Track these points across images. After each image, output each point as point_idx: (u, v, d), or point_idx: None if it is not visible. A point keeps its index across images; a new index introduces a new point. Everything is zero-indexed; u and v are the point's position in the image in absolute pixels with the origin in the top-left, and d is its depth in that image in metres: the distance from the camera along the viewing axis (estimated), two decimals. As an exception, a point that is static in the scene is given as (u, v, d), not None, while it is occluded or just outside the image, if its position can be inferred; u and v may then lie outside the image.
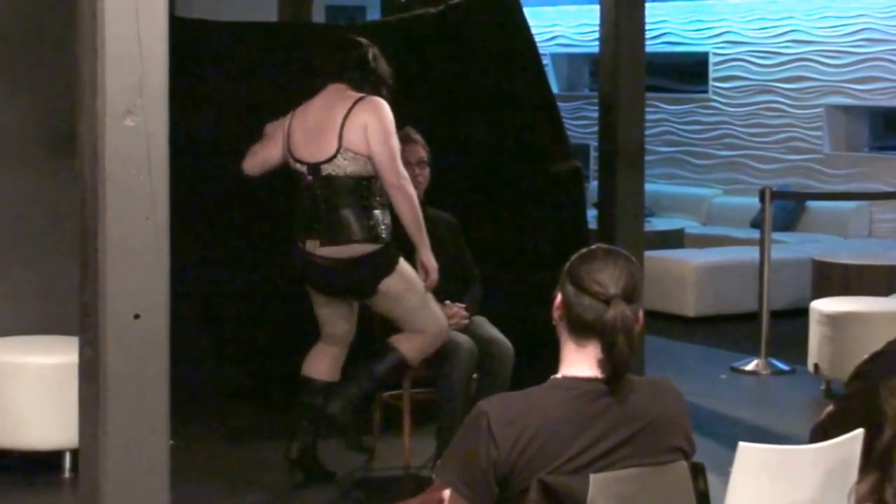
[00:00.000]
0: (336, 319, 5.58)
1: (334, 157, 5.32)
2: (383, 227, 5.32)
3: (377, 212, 5.32)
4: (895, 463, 2.08)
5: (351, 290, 5.45)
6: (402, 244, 5.42)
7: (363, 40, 5.56)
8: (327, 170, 5.34)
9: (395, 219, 5.41)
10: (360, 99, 5.33)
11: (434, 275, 5.37)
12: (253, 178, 5.63)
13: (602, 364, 2.79)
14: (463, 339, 5.63)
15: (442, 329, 5.46)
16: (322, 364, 5.61)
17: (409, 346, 5.45)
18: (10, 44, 6.21)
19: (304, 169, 5.40)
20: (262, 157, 5.54)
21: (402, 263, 5.37)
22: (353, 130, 5.28)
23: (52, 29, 6.10)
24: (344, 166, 5.31)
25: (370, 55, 5.46)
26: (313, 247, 5.37)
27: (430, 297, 5.47)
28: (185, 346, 5.77)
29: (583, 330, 2.80)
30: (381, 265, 5.33)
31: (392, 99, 5.42)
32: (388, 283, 5.33)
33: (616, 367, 2.78)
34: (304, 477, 5.62)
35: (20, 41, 6.21)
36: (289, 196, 6.96)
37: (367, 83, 5.40)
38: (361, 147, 5.27)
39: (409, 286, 5.36)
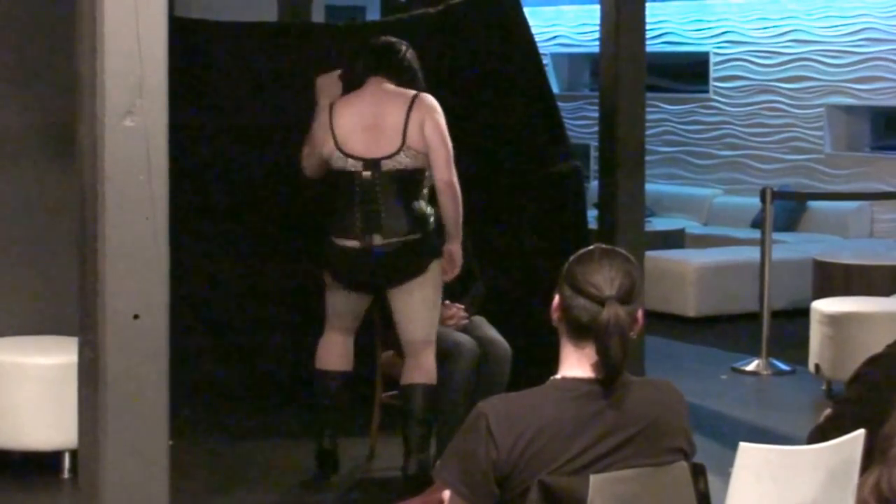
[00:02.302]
0: (353, 314, 5.67)
1: (397, 153, 5.41)
2: (432, 216, 5.50)
3: (423, 203, 5.49)
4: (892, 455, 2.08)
5: (404, 273, 5.49)
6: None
7: (394, 39, 5.72)
8: (388, 165, 5.43)
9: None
10: (416, 97, 5.46)
11: (457, 270, 5.50)
12: (315, 180, 5.69)
13: (596, 366, 2.79)
14: (465, 339, 5.63)
15: (434, 342, 5.52)
16: (334, 355, 5.65)
17: (425, 373, 5.48)
18: (10, 44, 6.20)
19: (358, 165, 5.44)
20: (319, 158, 5.56)
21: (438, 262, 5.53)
22: (414, 128, 5.42)
23: (51, 29, 6.09)
24: (406, 162, 5.42)
25: (403, 48, 5.64)
26: (369, 241, 5.44)
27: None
28: (184, 346, 5.78)
29: (580, 331, 2.80)
30: (430, 248, 5.49)
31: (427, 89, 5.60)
32: (435, 267, 5.48)
33: (610, 369, 2.78)
34: (330, 469, 5.70)
35: (20, 41, 6.20)
36: (289, 196, 6.98)
37: (404, 75, 5.55)
38: (420, 144, 5.42)
39: (440, 283, 5.51)
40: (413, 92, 5.49)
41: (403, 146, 5.41)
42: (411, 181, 5.44)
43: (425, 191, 5.51)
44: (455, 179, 5.45)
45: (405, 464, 5.47)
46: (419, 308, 5.44)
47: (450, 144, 5.45)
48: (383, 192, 5.42)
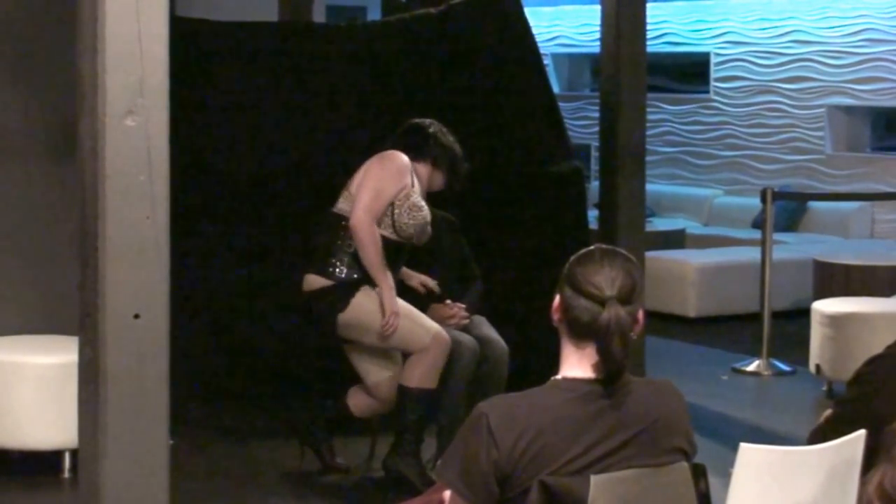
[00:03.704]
0: (365, 369, 5.62)
1: (339, 197, 5.46)
2: (343, 267, 5.38)
3: (346, 253, 5.38)
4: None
5: (314, 323, 5.54)
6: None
7: (426, 122, 5.70)
8: (333, 208, 5.47)
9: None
10: (387, 151, 5.46)
11: (392, 320, 5.34)
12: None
13: (597, 366, 2.79)
14: (465, 338, 5.63)
15: (436, 336, 5.44)
16: (359, 405, 5.69)
17: (415, 377, 5.45)
18: (11, 43, 6.20)
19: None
20: None
21: (359, 299, 5.37)
22: (360, 173, 5.42)
23: (52, 28, 6.09)
24: (341, 206, 5.43)
25: (430, 129, 5.62)
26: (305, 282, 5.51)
27: (410, 314, 5.44)
28: (184, 346, 5.77)
29: (580, 331, 2.80)
30: (332, 302, 5.38)
31: (451, 170, 5.60)
32: (344, 318, 5.37)
33: (610, 370, 2.78)
34: (322, 466, 5.73)
35: (21, 41, 6.20)
36: (289, 197, 6.98)
37: (425, 151, 5.55)
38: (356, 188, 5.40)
39: (376, 316, 5.37)
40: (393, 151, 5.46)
41: (345, 190, 5.45)
42: (337, 225, 5.40)
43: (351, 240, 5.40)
44: (359, 223, 5.28)
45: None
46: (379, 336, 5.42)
47: (376, 190, 5.32)
48: (322, 231, 5.48)
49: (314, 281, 5.43)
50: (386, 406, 5.63)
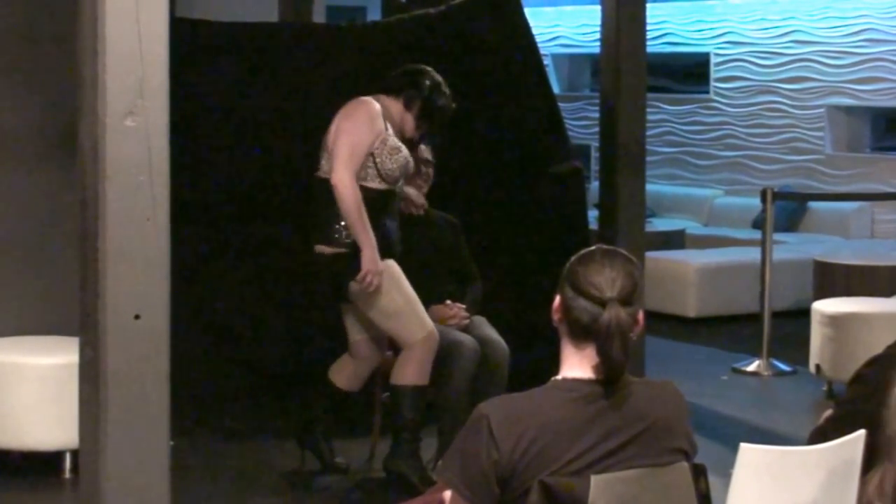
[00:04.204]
0: (349, 326, 5.63)
1: (321, 160, 5.41)
2: (347, 230, 5.34)
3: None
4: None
5: (325, 292, 5.52)
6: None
7: (420, 67, 5.65)
8: (318, 173, 5.41)
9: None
10: (351, 100, 5.40)
11: (369, 277, 5.29)
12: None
13: (597, 367, 2.79)
14: (466, 338, 5.62)
15: (429, 334, 5.44)
16: (342, 375, 5.69)
17: (407, 375, 5.45)
18: (11, 43, 6.20)
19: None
20: None
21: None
22: (332, 130, 5.37)
23: (52, 29, 6.09)
24: (325, 168, 5.39)
25: (416, 73, 5.56)
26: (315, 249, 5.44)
27: (415, 303, 5.44)
28: (185, 346, 5.77)
29: (580, 332, 2.80)
30: (343, 269, 5.34)
31: (421, 116, 5.49)
32: (355, 287, 5.34)
33: (610, 371, 2.78)
34: (320, 466, 5.72)
35: (20, 41, 6.20)
36: (290, 196, 6.98)
37: (401, 91, 5.48)
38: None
39: (384, 291, 5.35)
40: (358, 98, 5.42)
41: (323, 151, 5.40)
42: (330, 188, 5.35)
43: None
44: (339, 181, 5.24)
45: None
46: (381, 311, 5.40)
47: (349, 144, 5.28)
48: (315, 199, 5.44)
49: (324, 251, 5.39)
50: (363, 367, 5.63)
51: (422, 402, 5.50)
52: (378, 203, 5.36)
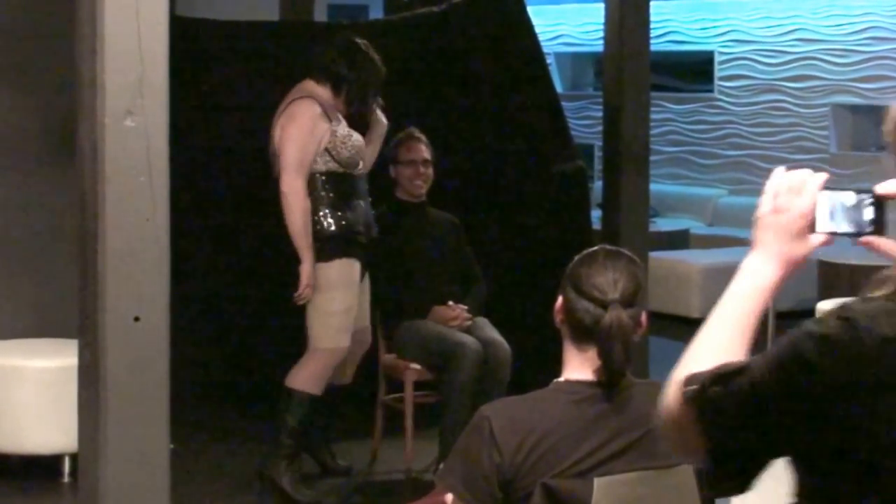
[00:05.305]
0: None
1: (273, 165, 5.45)
2: (328, 219, 5.35)
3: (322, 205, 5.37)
4: None
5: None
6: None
7: (351, 39, 5.61)
8: (275, 175, 5.44)
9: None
10: (291, 102, 5.40)
11: (307, 291, 5.32)
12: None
13: (599, 369, 2.77)
14: (469, 340, 5.59)
15: (336, 349, 5.42)
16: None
17: (300, 379, 5.44)
18: (10, 43, 6.18)
19: None
20: None
21: (325, 266, 5.35)
22: (276, 134, 5.39)
23: (51, 28, 6.06)
24: (276, 167, 5.42)
25: (336, 52, 5.49)
26: None
27: (347, 315, 5.42)
28: (185, 349, 5.74)
29: (582, 334, 2.78)
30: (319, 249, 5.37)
31: (349, 98, 5.45)
32: (319, 269, 5.35)
33: (612, 373, 2.76)
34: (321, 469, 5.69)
35: (19, 40, 6.18)
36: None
37: (325, 77, 5.45)
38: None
39: (332, 288, 5.35)
40: (294, 97, 5.40)
41: (273, 157, 5.43)
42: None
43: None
44: (287, 190, 5.28)
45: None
46: (312, 306, 5.41)
47: (295, 153, 5.30)
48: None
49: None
50: (350, 358, 5.60)
51: (311, 414, 5.45)
52: (345, 186, 5.39)
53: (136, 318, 3.65)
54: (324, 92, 5.45)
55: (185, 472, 5.29)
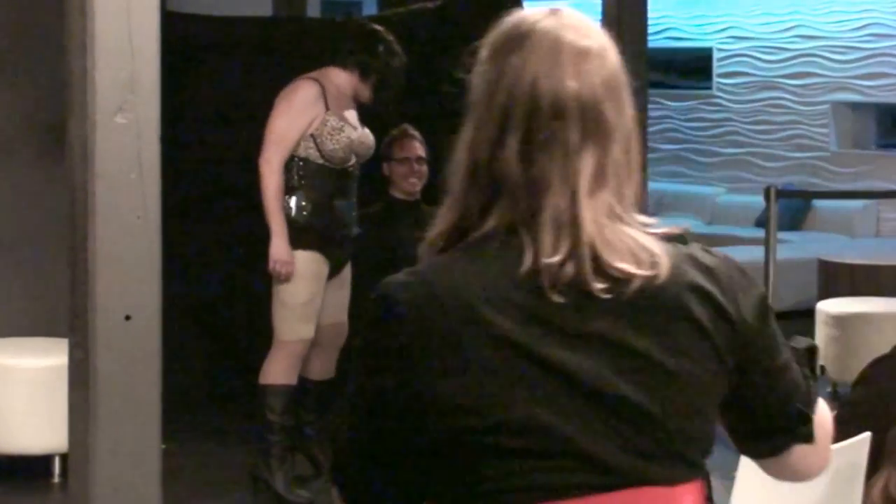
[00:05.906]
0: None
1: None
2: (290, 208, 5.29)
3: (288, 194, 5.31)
4: None
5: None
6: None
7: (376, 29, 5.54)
8: None
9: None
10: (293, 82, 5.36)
11: (277, 266, 5.23)
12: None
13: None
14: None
15: (300, 341, 5.34)
16: (313, 366, 5.60)
17: (270, 374, 5.37)
18: None
19: None
20: None
21: (299, 255, 5.28)
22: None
23: (40, 23, 6.02)
24: None
25: (368, 38, 5.44)
26: None
27: (311, 306, 5.35)
28: (176, 348, 5.71)
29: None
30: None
31: (379, 86, 5.38)
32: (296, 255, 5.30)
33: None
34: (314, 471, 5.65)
35: (8, 36, 6.15)
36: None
37: (351, 61, 5.37)
38: None
39: (295, 280, 5.28)
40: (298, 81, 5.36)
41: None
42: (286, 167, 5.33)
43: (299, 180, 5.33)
44: (263, 163, 5.23)
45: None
46: (276, 295, 5.36)
47: (277, 127, 5.24)
48: None
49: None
50: (332, 351, 5.55)
51: (291, 404, 5.39)
52: (320, 178, 5.30)
53: (128, 317, 3.62)
54: (347, 79, 5.37)
55: (176, 473, 5.26)
